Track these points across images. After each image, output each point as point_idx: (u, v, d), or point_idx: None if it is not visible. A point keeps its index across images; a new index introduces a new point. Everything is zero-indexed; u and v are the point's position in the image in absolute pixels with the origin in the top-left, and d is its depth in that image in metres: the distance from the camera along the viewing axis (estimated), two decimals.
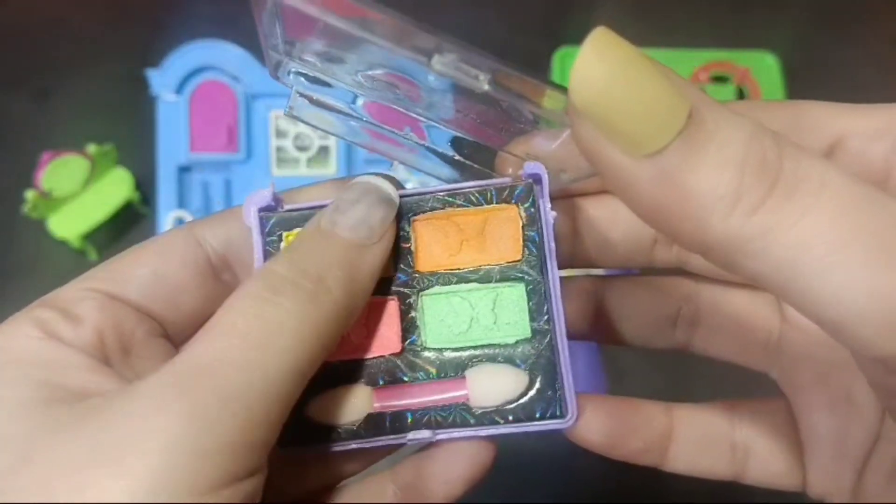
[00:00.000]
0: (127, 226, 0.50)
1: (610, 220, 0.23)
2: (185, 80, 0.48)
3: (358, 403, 0.21)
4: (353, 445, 0.21)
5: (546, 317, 0.21)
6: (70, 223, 0.48)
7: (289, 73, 0.20)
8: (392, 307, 0.21)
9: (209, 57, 0.48)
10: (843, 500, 0.22)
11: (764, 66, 0.52)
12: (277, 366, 0.17)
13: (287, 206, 0.21)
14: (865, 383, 0.19)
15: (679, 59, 0.52)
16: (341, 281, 0.18)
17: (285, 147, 0.49)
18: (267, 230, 0.21)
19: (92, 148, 0.48)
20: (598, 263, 0.24)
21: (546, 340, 0.21)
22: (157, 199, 0.49)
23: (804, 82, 0.52)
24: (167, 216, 0.48)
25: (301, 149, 0.49)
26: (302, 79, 0.21)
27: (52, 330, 0.18)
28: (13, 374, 0.17)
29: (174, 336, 0.21)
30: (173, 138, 0.48)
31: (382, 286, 0.21)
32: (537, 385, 0.20)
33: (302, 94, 0.21)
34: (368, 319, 0.21)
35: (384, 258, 0.20)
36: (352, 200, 0.20)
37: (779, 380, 0.23)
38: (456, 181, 0.23)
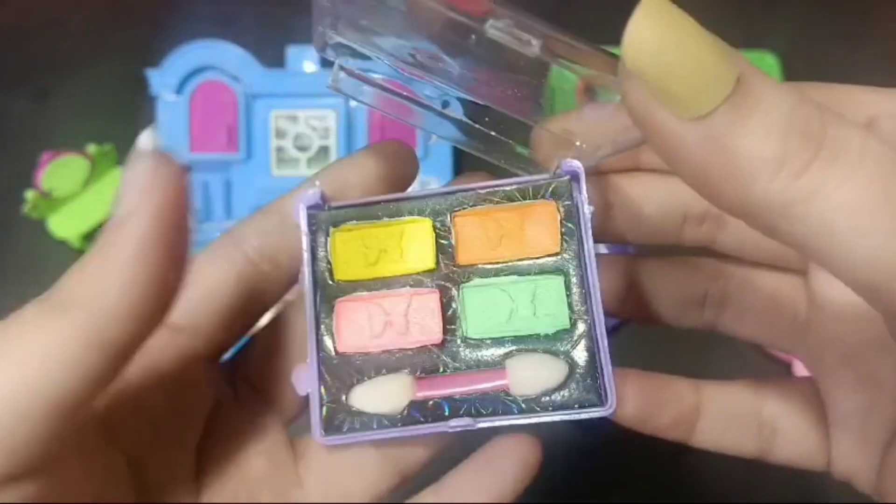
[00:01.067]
0: None
1: (642, 196, 0.23)
2: (185, 80, 0.48)
3: (400, 392, 0.21)
4: (395, 433, 0.21)
5: (584, 307, 0.21)
6: (70, 223, 0.48)
7: (333, 46, 0.21)
8: (433, 299, 0.22)
9: (209, 57, 0.48)
10: (867, 480, 0.22)
11: (764, 66, 0.52)
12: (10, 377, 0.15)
13: (334, 204, 0.22)
14: (891, 364, 0.20)
15: None
16: (82, 288, 0.16)
17: (285, 147, 0.49)
18: (314, 228, 0.22)
19: (92, 148, 0.48)
20: (628, 239, 0.24)
21: (585, 330, 0.21)
22: None
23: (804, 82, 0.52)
24: None
25: (301, 149, 0.49)
26: (345, 52, 0.21)
27: None
28: None
29: (215, 342, 0.22)
30: (173, 138, 0.48)
31: (426, 279, 0.22)
32: (577, 374, 0.21)
33: (343, 68, 0.21)
34: (410, 311, 0.22)
35: (149, 231, 0.16)
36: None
37: (805, 360, 0.24)
38: (490, 155, 0.23)
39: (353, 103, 0.49)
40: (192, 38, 0.48)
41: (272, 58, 0.49)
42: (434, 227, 0.22)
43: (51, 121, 0.52)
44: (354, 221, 0.22)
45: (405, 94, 0.22)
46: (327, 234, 0.22)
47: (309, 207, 0.22)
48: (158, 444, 0.21)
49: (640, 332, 0.41)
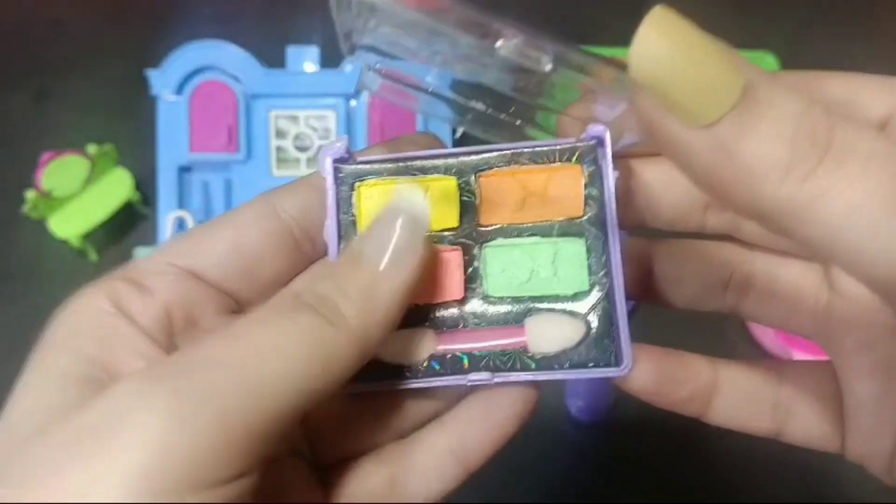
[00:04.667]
0: (127, 226, 0.50)
1: (665, 182, 0.24)
2: (185, 80, 0.48)
3: (421, 345, 0.22)
4: (416, 384, 0.22)
5: (604, 270, 0.22)
6: (70, 223, 0.48)
7: (359, 49, 0.21)
8: (456, 257, 0.22)
9: (209, 57, 0.48)
10: (881, 465, 0.23)
11: (764, 66, 0.52)
12: (272, 382, 0.17)
13: (360, 159, 0.22)
14: None
15: None
16: (357, 310, 0.19)
17: (285, 147, 0.49)
18: (340, 180, 0.22)
19: (92, 148, 0.48)
20: (649, 224, 0.24)
21: (604, 293, 0.22)
22: (157, 199, 0.48)
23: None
24: (167, 216, 0.48)
25: (301, 149, 0.49)
26: (371, 53, 0.21)
27: (121, 303, 0.20)
28: (69, 345, 0.19)
29: (250, 307, 0.22)
30: (173, 138, 0.48)
31: (449, 236, 0.22)
32: (594, 334, 0.21)
33: (371, 69, 0.22)
34: (433, 268, 0.22)
35: (410, 285, 0.20)
36: (379, 224, 0.20)
37: (824, 346, 0.24)
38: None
39: (353, 103, 0.49)
40: (192, 38, 0.49)
41: (272, 58, 0.49)
42: (459, 186, 0.22)
43: (51, 121, 0.52)
44: (380, 176, 0.22)
45: (430, 90, 0.22)
46: (352, 188, 0.22)
47: (335, 160, 0.22)
48: None
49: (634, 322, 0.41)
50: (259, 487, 0.18)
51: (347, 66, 0.49)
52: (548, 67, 0.17)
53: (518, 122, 0.23)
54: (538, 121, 0.24)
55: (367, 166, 0.22)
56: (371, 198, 0.22)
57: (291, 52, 0.50)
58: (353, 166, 0.22)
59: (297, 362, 0.17)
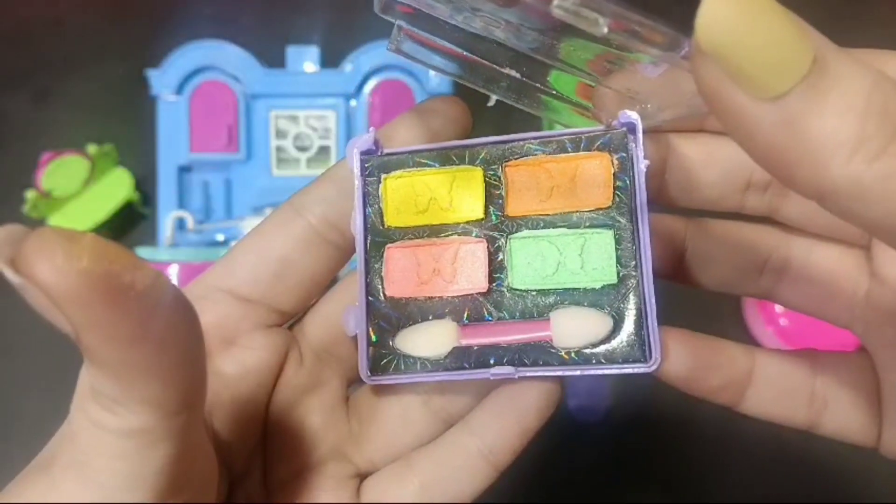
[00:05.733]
0: (127, 226, 0.50)
1: (704, 160, 0.23)
2: (185, 80, 0.48)
3: (444, 337, 0.21)
4: (438, 377, 0.21)
5: (633, 263, 0.21)
6: (70, 223, 0.48)
7: (393, 7, 0.20)
8: (481, 248, 0.22)
9: (209, 57, 0.48)
10: None
11: None
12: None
13: (386, 150, 0.22)
14: None
15: None
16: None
17: (285, 147, 0.49)
18: (367, 172, 0.22)
19: (92, 148, 0.48)
20: (681, 203, 0.24)
21: (632, 286, 0.21)
22: (157, 199, 0.48)
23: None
24: (167, 216, 0.48)
25: (301, 149, 0.49)
26: (404, 17, 0.21)
27: None
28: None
29: (287, 310, 0.23)
30: (173, 138, 0.48)
31: (474, 228, 0.22)
32: (621, 329, 0.21)
33: (403, 29, 0.21)
34: (458, 259, 0.22)
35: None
36: None
37: (862, 336, 0.23)
38: (552, 117, 0.23)
39: (353, 103, 0.49)
40: (192, 38, 0.49)
41: (272, 58, 0.49)
42: (485, 177, 0.22)
43: (51, 121, 0.52)
44: (407, 168, 0.22)
45: (465, 54, 0.21)
46: (379, 180, 0.22)
47: (362, 153, 0.22)
48: (233, 408, 0.22)
49: None
50: None
51: (347, 66, 0.49)
52: (605, 30, 0.17)
53: (554, 92, 0.22)
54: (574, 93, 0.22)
55: (395, 158, 0.22)
56: (397, 190, 0.22)
57: (291, 52, 0.50)
58: (379, 158, 0.22)
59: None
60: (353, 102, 0.49)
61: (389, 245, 0.22)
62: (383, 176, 0.22)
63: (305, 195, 0.23)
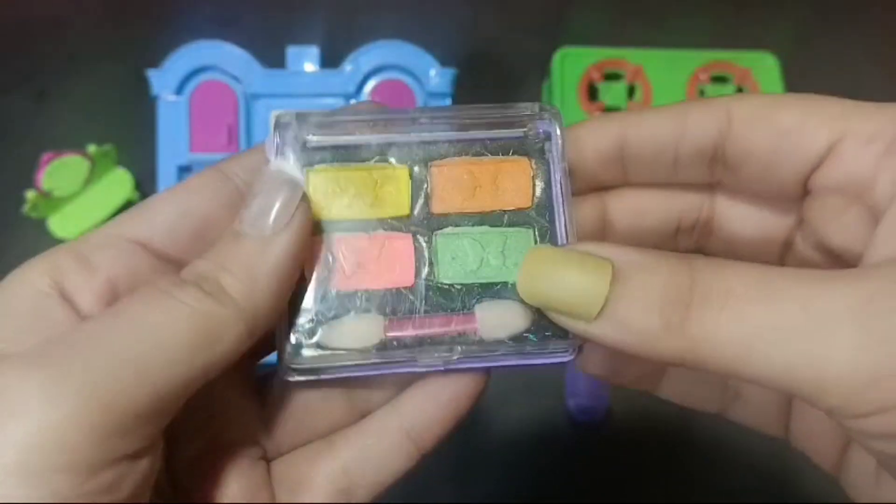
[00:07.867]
0: None
1: (640, 211, 0.25)
2: (185, 80, 0.48)
3: (370, 331, 0.22)
4: (364, 372, 0.22)
5: None
6: (70, 223, 0.48)
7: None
8: (407, 243, 0.22)
9: (209, 57, 0.48)
10: (825, 456, 0.23)
11: (764, 66, 0.52)
12: (152, 360, 0.17)
13: (311, 144, 0.22)
14: None
15: (679, 59, 0.52)
16: (240, 284, 0.19)
17: None
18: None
19: (92, 148, 0.48)
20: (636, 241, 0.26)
21: None
22: None
23: (804, 82, 0.52)
24: None
25: None
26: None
27: (61, 279, 0.19)
28: (8, 330, 0.18)
29: None
30: (173, 138, 0.48)
31: (400, 224, 0.23)
32: (543, 321, 0.22)
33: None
34: (383, 253, 0.22)
35: (293, 254, 0.20)
36: (252, 193, 0.20)
37: None
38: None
39: (353, 103, 0.49)
40: (192, 38, 0.49)
41: (272, 58, 0.49)
42: (410, 174, 0.23)
43: (51, 121, 0.52)
44: (330, 162, 0.22)
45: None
46: (302, 174, 0.22)
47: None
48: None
49: None
50: (151, 470, 0.18)
51: (347, 66, 0.49)
52: None
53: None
54: None
55: (318, 153, 0.22)
56: (321, 184, 0.22)
57: (291, 52, 0.50)
58: (302, 152, 0.22)
59: (179, 340, 0.17)
60: (353, 102, 0.49)
61: (314, 237, 0.22)
62: (306, 170, 0.22)
63: (235, 162, 0.22)
